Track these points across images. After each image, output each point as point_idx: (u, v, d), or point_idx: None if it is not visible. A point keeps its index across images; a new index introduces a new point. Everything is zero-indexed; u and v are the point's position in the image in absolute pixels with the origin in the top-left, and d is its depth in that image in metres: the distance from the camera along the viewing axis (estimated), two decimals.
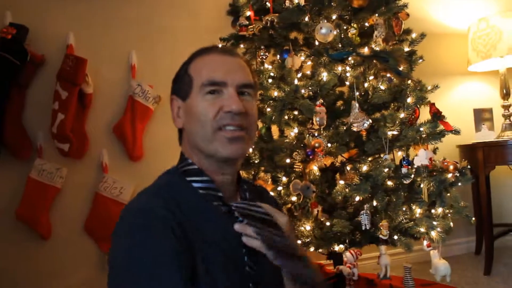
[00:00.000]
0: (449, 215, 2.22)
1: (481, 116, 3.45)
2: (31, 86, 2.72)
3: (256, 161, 2.13)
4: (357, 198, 1.94)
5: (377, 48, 2.12)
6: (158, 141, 2.88)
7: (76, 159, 2.74)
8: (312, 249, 2.00)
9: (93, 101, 2.80)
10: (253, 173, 2.15)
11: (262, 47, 2.32)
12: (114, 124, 2.83)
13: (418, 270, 2.96)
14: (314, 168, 1.92)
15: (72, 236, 2.73)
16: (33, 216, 2.61)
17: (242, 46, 2.41)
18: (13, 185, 2.65)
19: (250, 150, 2.14)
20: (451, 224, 2.20)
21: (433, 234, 1.98)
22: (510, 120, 3.31)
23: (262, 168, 2.09)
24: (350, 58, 2.12)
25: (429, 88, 2.29)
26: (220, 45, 1.43)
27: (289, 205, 2.02)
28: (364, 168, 1.99)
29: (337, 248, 1.98)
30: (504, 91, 3.34)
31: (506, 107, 3.33)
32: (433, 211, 2.16)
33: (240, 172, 1.21)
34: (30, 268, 2.64)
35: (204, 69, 1.06)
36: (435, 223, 1.99)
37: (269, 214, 1.04)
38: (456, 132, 2.33)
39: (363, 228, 1.90)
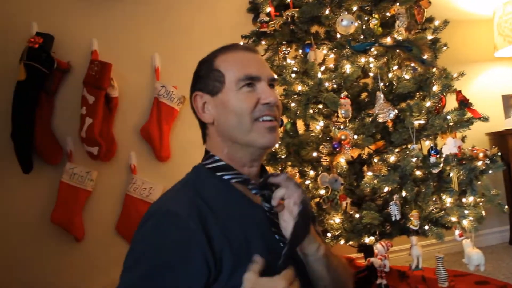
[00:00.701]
0: (480, 204, 2.18)
1: (510, 103, 3.38)
2: (59, 92, 2.79)
3: (283, 156, 2.13)
4: (386, 189, 1.93)
5: (400, 38, 2.10)
6: (184, 141, 2.92)
7: (105, 162, 2.80)
8: (342, 242, 1.99)
9: (119, 104, 2.85)
10: (280, 168, 2.15)
11: (283, 42, 2.32)
12: (141, 127, 2.88)
13: (451, 261, 2.92)
14: (341, 160, 1.91)
15: (104, 237, 2.79)
16: (67, 219, 2.68)
17: (263, 42, 2.41)
18: (46, 190, 2.72)
19: (277, 145, 2.15)
20: (483, 213, 2.16)
21: (465, 223, 1.95)
22: None
23: (289, 163, 2.10)
24: (373, 49, 2.10)
25: (454, 75, 2.25)
26: (241, 43, 1.44)
27: (318, 199, 2.02)
28: (392, 158, 1.98)
29: (368, 240, 1.97)
30: None
31: None
32: (464, 200, 2.12)
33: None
34: (65, 269, 2.72)
35: (238, 65, 1.10)
36: (466, 212, 1.96)
37: None
38: (485, 119, 2.29)
39: (393, 219, 1.88)
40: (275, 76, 1.15)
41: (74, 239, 2.73)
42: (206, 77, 1.13)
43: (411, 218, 1.89)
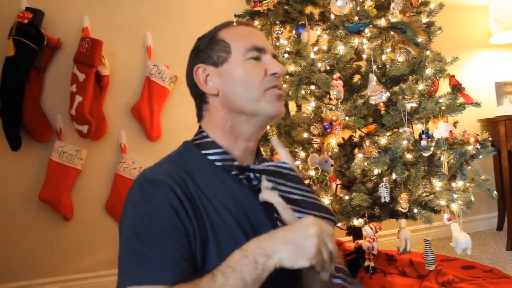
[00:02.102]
0: (470, 189, 2.18)
1: (503, 90, 3.37)
2: (49, 70, 2.75)
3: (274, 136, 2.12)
4: (376, 172, 1.92)
5: (394, 20, 2.07)
6: (175, 121, 2.90)
7: (95, 141, 2.77)
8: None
9: (110, 82, 2.82)
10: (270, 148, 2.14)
11: (277, 22, 2.29)
12: (132, 106, 2.85)
13: (439, 246, 2.95)
14: (332, 141, 1.90)
15: (93, 216, 2.77)
16: (55, 197, 2.66)
17: (257, 22, 2.38)
18: (35, 168, 2.70)
19: (268, 126, 2.13)
20: (472, 197, 2.17)
21: (454, 207, 1.95)
22: None
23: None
24: (366, 31, 2.08)
25: (448, 60, 2.24)
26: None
27: (308, 180, 2.01)
28: (383, 141, 1.97)
29: (356, 222, 1.97)
30: None
31: None
32: (453, 184, 2.13)
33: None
34: (54, 248, 2.70)
35: (243, 37, 1.12)
36: (455, 196, 1.96)
37: (293, 169, 1.07)
38: (477, 104, 2.29)
39: (382, 201, 1.88)
40: (276, 53, 1.17)
41: (63, 218, 2.71)
42: (209, 49, 1.12)
43: (400, 201, 1.89)
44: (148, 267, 0.89)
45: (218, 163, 1.07)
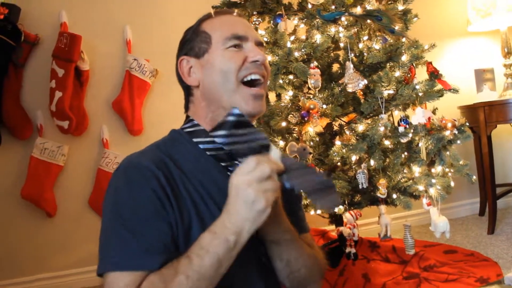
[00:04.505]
0: (450, 174, 2.21)
1: (483, 77, 3.40)
2: (28, 66, 2.73)
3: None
4: (354, 158, 1.94)
5: (370, 8, 2.09)
6: (157, 115, 2.89)
7: (76, 136, 2.76)
8: (312, 212, 2.01)
9: (90, 78, 2.80)
10: None
11: (254, 13, 2.29)
12: (113, 100, 2.84)
13: (422, 233, 2.99)
14: (310, 130, 1.91)
15: (77, 212, 2.76)
16: (38, 194, 2.64)
17: None
18: (16, 166, 2.68)
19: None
20: (452, 183, 2.20)
21: (432, 191, 1.98)
22: None
23: None
24: (343, 19, 2.09)
25: (426, 47, 2.26)
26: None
27: None
28: (361, 128, 1.99)
29: (337, 209, 1.99)
30: (506, 49, 3.29)
31: (507, 66, 3.28)
32: (432, 170, 2.15)
33: None
34: (38, 245, 2.69)
35: (225, 26, 1.10)
36: (433, 181, 1.99)
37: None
38: (455, 91, 2.31)
39: (360, 187, 1.90)
40: (262, 41, 1.14)
41: (46, 214, 2.70)
42: (192, 41, 1.12)
43: (379, 187, 1.91)
44: (129, 253, 0.90)
45: (210, 152, 1.07)
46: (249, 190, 0.87)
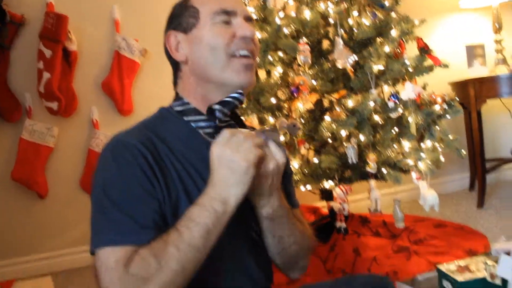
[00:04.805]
0: (439, 149, 2.23)
1: (474, 52, 3.41)
2: (14, 47, 2.69)
3: (244, 106, 2.12)
4: (343, 133, 1.95)
5: None
6: (147, 94, 2.88)
7: (66, 118, 2.75)
8: (302, 187, 2.03)
9: (78, 58, 2.78)
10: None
11: None
12: (102, 81, 2.82)
13: (413, 208, 3.00)
14: (300, 106, 1.91)
15: (69, 193, 2.77)
16: (28, 176, 2.64)
17: None
18: (6, 148, 2.67)
19: None
20: (441, 157, 2.22)
21: (422, 166, 2.00)
22: (502, 55, 3.28)
23: (249, 112, 2.09)
24: None
25: (416, 22, 2.26)
26: None
27: None
28: (350, 104, 1.99)
29: (327, 185, 2.00)
30: (497, 25, 3.29)
31: (498, 42, 3.29)
32: (422, 145, 2.17)
33: None
34: (30, 227, 2.70)
35: (213, 0, 1.08)
36: (423, 155, 2.00)
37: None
38: (445, 66, 2.32)
39: (350, 161, 1.92)
40: (252, 17, 1.13)
41: (37, 196, 2.70)
42: (180, 16, 1.10)
43: (369, 162, 1.93)
44: (119, 229, 0.90)
45: (201, 130, 1.07)
46: (228, 153, 0.90)
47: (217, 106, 1.04)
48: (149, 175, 0.95)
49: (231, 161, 0.91)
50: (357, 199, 2.83)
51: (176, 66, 1.13)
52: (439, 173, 3.11)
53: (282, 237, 1.10)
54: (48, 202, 2.74)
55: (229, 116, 1.11)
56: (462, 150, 2.29)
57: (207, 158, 1.01)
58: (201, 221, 0.90)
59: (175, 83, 1.15)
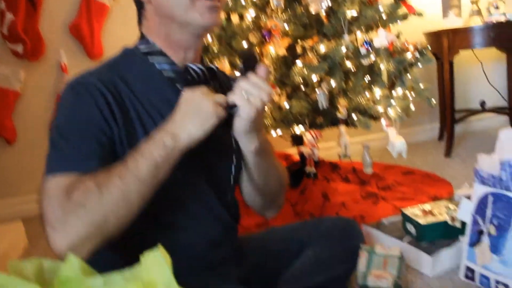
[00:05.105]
0: (410, 98, 2.26)
1: (449, 3, 3.40)
2: None
3: (215, 51, 2.09)
4: (315, 78, 1.95)
5: None
6: (117, 39, 2.79)
7: (33, 62, 2.67)
8: (273, 132, 2.04)
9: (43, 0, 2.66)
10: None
11: None
12: (70, 24, 2.72)
13: (381, 156, 3.06)
14: (271, 50, 1.89)
15: (38, 138, 2.72)
16: None
17: None
18: None
19: (210, 39, 2.09)
20: (412, 105, 2.25)
21: (391, 113, 2.03)
22: (477, 6, 3.28)
23: (221, 56, 2.06)
24: None
25: None
26: None
27: None
28: (323, 49, 1.98)
29: (298, 130, 2.02)
30: None
31: None
32: (393, 93, 2.19)
33: None
34: None
35: None
36: (393, 102, 2.03)
37: None
38: (419, 14, 2.32)
39: (320, 106, 1.93)
40: None
41: (5, 142, 2.65)
42: None
43: (339, 107, 1.94)
44: (64, 159, 0.91)
45: (166, 73, 1.06)
46: (198, 96, 0.91)
47: (193, 65, 1.04)
48: (106, 114, 0.96)
49: (199, 103, 0.91)
50: (328, 146, 2.86)
51: (140, 5, 1.10)
52: (409, 123, 3.16)
53: (267, 172, 1.13)
54: (17, 148, 2.70)
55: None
56: (433, 99, 2.32)
57: (170, 100, 1.01)
58: (148, 153, 0.89)
59: (139, 22, 1.13)
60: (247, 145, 1.05)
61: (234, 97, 0.95)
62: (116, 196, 0.86)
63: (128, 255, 0.86)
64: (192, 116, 0.91)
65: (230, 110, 0.96)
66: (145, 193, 0.90)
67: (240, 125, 0.98)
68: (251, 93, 0.94)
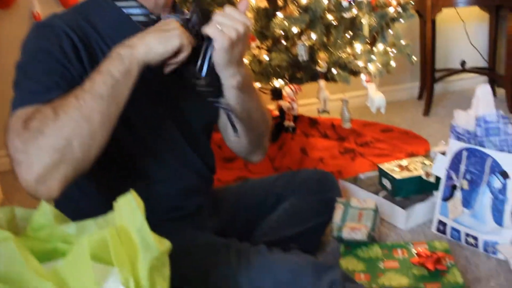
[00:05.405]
0: (391, 54, 2.25)
1: None
2: None
3: None
4: (295, 30, 1.91)
5: None
6: None
7: (3, 10, 2.56)
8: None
9: None
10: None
11: None
12: None
13: (361, 113, 3.06)
14: (252, 1, 1.84)
15: (9, 89, 2.64)
16: None
17: None
18: None
19: None
20: (392, 62, 2.24)
21: (372, 68, 2.01)
22: None
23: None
24: None
25: None
26: None
27: None
28: (304, 1, 1.93)
29: (277, 84, 2.00)
30: None
31: None
32: (374, 49, 2.17)
33: None
34: None
35: None
36: (374, 57, 2.01)
37: None
38: None
39: (300, 59, 1.90)
40: None
41: None
42: None
43: (319, 61, 1.92)
44: (25, 93, 0.90)
45: (136, 18, 1.03)
46: (165, 21, 0.91)
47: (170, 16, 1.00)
48: (71, 55, 0.94)
49: (166, 23, 0.90)
50: (307, 103, 2.85)
51: None
52: (390, 82, 3.16)
53: (251, 109, 1.11)
54: None
55: None
56: (413, 57, 2.31)
57: None
58: (105, 70, 0.86)
59: None
60: (229, 80, 1.01)
61: (208, 29, 0.91)
62: (74, 117, 0.82)
63: (105, 208, 0.85)
64: (154, 32, 0.88)
65: (206, 44, 0.94)
66: (106, 112, 0.85)
67: (217, 58, 0.95)
68: (225, 24, 0.91)
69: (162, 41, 0.87)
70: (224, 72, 0.99)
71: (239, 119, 1.09)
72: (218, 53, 0.93)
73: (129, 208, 0.76)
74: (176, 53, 0.90)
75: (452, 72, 3.47)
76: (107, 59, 0.87)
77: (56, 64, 0.92)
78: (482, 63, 3.63)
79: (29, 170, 0.81)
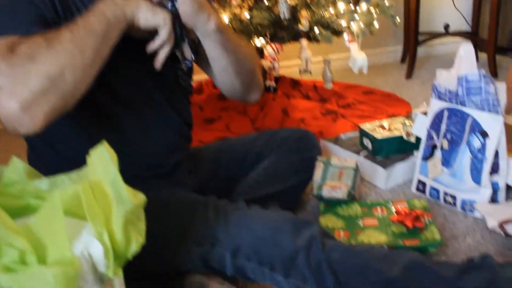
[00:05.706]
0: (375, 15, 2.21)
1: None
2: None
3: None
4: None
5: None
6: None
7: None
8: None
9: None
10: None
11: None
12: None
13: (343, 76, 3.04)
14: None
15: None
16: None
17: None
18: None
19: None
20: (376, 23, 2.21)
21: (354, 27, 1.98)
22: None
23: None
24: None
25: None
26: None
27: None
28: None
29: (258, 43, 1.95)
30: None
31: None
32: (358, 8, 2.13)
33: None
34: None
35: None
36: (357, 16, 1.97)
37: None
38: None
39: (282, 16, 1.86)
40: None
41: None
42: None
43: (301, 19, 1.88)
44: (4, 25, 0.87)
45: None
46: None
47: None
48: (49, 9, 0.92)
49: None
50: (289, 64, 2.81)
51: None
52: (373, 44, 3.13)
53: (236, 48, 1.09)
54: None
55: None
56: (397, 18, 2.28)
57: None
58: (99, 11, 0.86)
59: None
60: (207, 25, 0.99)
61: None
62: (69, 48, 0.81)
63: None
64: (148, 3, 0.90)
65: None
66: (98, 50, 0.85)
67: (185, 7, 0.95)
68: None
69: (150, 13, 0.89)
70: (198, 20, 0.97)
71: (228, 65, 1.08)
72: (184, 3, 0.93)
73: (101, 160, 0.74)
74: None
75: (435, 35, 3.45)
76: (99, 3, 0.87)
77: (34, 7, 0.89)
78: (466, 27, 3.61)
79: (13, 96, 0.76)
